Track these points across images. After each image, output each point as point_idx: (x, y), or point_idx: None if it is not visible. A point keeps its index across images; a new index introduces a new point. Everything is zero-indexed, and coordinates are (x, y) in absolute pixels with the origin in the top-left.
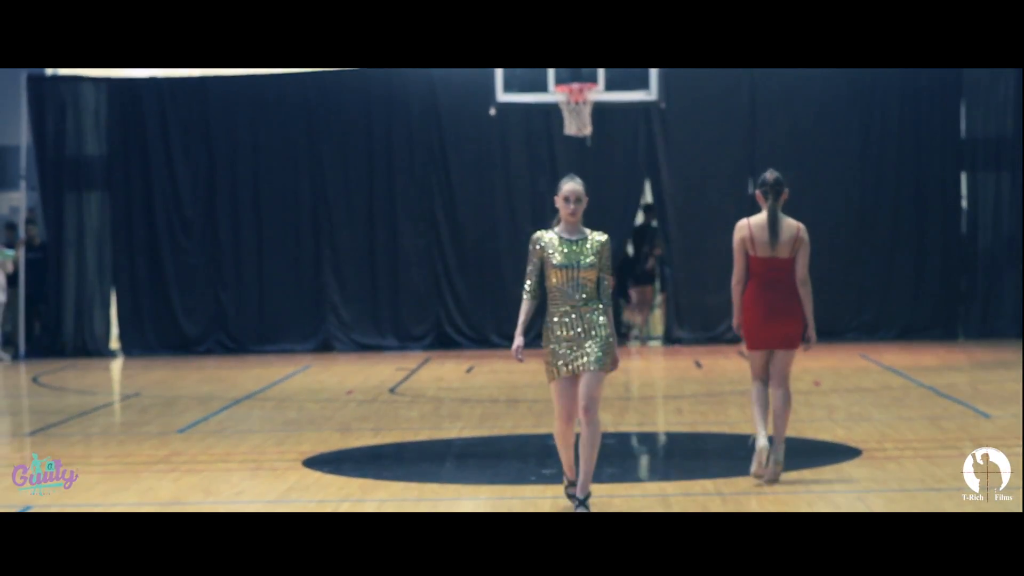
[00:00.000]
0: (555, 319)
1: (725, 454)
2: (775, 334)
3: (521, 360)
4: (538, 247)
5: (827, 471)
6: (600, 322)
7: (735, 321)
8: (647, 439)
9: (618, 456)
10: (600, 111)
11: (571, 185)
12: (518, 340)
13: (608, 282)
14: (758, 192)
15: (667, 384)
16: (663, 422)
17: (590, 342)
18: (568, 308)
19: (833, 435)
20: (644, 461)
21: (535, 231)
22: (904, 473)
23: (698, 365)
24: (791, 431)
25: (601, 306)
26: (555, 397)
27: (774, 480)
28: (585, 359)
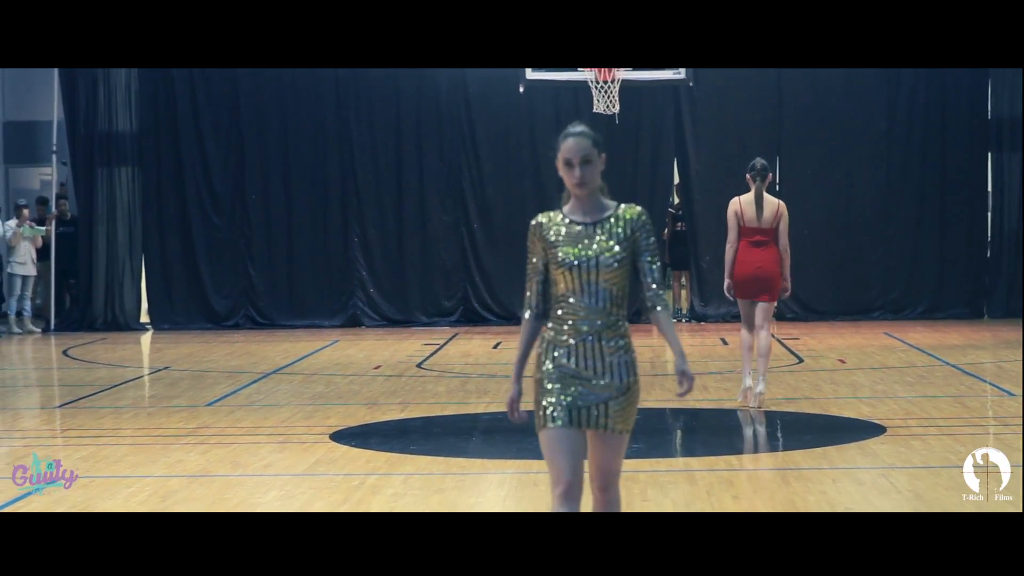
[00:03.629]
0: (558, 340)
1: (750, 430)
2: (758, 288)
3: (519, 421)
4: (538, 238)
5: (851, 448)
6: (626, 354)
7: (726, 282)
8: (673, 415)
9: (644, 432)
10: (628, 89)
11: (573, 140)
12: (513, 389)
13: (656, 270)
14: (748, 175)
15: (693, 361)
16: (689, 398)
17: (608, 387)
18: (583, 329)
19: (858, 412)
20: (670, 436)
21: (538, 214)
22: (928, 451)
23: (724, 342)
24: (815, 408)
25: (626, 325)
26: (546, 454)
27: (759, 407)
28: (598, 413)
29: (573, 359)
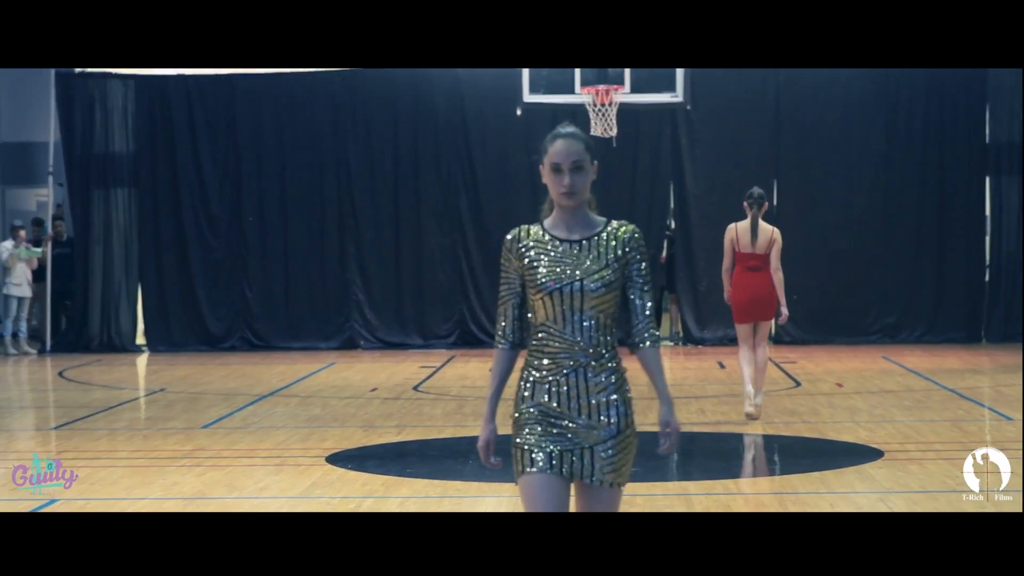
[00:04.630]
0: (538, 376)
1: (747, 454)
2: (756, 310)
3: (495, 465)
4: (515, 254)
5: (849, 472)
6: (616, 392)
7: (726, 294)
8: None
9: (640, 455)
10: (626, 112)
11: (563, 142)
12: (485, 431)
13: (648, 301)
14: (745, 203)
15: (690, 384)
16: (686, 422)
17: (599, 434)
18: (565, 363)
19: (855, 436)
20: (666, 460)
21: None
22: (926, 475)
23: (721, 366)
24: (813, 432)
25: (617, 359)
26: (524, 504)
27: (756, 417)
28: (584, 461)
29: (555, 399)
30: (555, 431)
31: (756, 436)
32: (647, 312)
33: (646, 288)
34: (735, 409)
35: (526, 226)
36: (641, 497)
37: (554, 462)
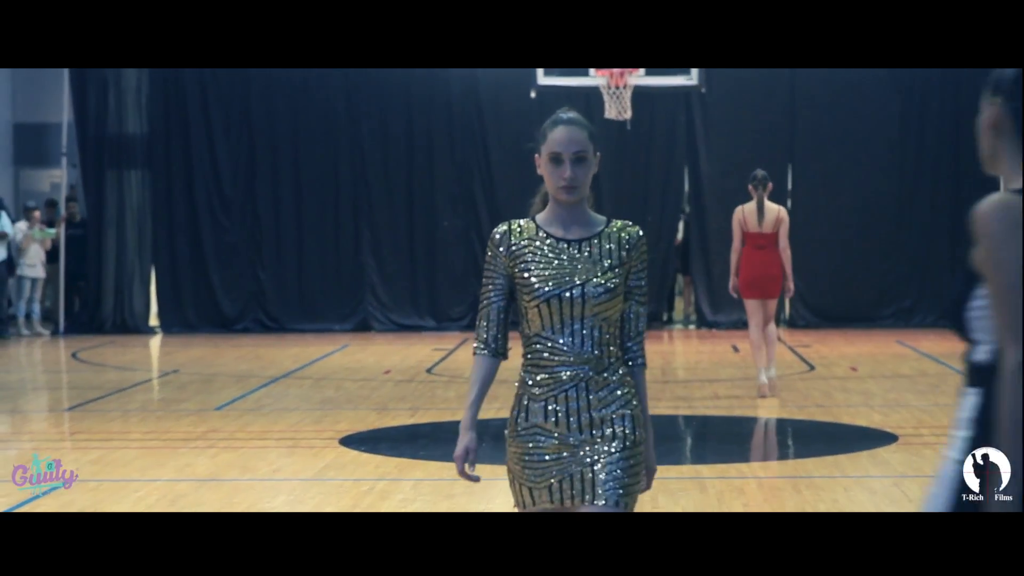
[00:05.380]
0: (535, 393)
1: (761, 438)
2: (763, 286)
3: (475, 480)
4: (506, 253)
5: (863, 457)
6: (623, 407)
7: (731, 283)
8: (683, 422)
9: (654, 438)
10: (640, 95)
11: (565, 129)
12: (464, 440)
13: (643, 317)
14: (750, 185)
15: (704, 368)
16: (700, 405)
17: (604, 448)
18: (563, 377)
19: (869, 421)
20: (680, 443)
21: (504, 223)
22: (940, 460)
23: (735, 349)
24: (827, 416)
25: (624, 370)
26: None
27: (769, 394)
28: (585, 482)
29: (552, 417)
30: (552, 455)
31: (770, 420)
32: (640, 328)
33: (642, 300)
34: (749, 393)
35: (516, 221)
36: (655, 481)
37: (553, 494)
